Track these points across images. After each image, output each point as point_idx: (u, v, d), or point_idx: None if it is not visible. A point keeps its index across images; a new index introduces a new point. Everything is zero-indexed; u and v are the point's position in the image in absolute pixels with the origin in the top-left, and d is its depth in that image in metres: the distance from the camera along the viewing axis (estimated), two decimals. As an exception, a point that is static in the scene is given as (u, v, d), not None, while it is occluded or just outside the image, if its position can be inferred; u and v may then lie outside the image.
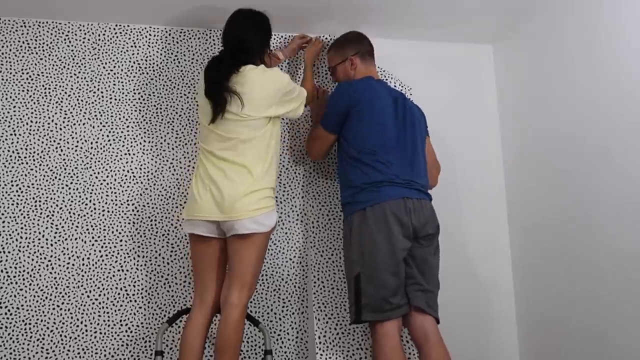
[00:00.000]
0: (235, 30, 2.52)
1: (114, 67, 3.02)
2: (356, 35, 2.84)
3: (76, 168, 2.90)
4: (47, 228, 2.82)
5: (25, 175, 2.84)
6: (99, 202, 2.89)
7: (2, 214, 2.79)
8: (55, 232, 2.82)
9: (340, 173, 2.64)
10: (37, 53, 2.96)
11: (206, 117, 2.45)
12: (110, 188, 2.91)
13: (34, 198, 2.83)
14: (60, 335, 2.74)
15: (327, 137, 2.68)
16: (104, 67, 3.01)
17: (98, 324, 2.78)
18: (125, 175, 2.94)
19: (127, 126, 2.98)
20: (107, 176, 2.92)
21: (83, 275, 2.81)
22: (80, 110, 2.96)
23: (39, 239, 2.80)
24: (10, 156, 2.85)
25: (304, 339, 2.91)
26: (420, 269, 2.45)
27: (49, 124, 2.91)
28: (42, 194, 2.84)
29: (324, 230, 2.89)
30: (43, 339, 2.72)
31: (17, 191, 2.82)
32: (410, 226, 2.40)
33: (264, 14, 2.59)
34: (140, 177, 2.95)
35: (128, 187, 2.93)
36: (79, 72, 2.98)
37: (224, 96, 2.38)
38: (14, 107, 2.89)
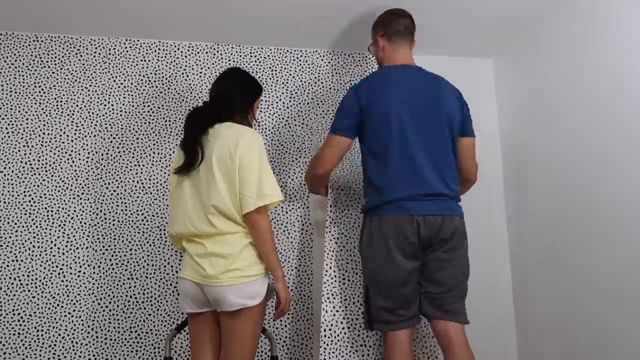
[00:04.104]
0: (220, 84, 2.40)
1: (124, 80, 3.09)
2: (387, 13, 2.52)
3: (87, 179, 2.96)
4: (58, 237, 2.89)
5: (38, 185, 2.91)
6: (109, 212, 2.95)
7: (16, 224, 2.86)
8: (67, 241, 2.89)
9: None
10: (49, 67, 3.03)
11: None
12: (121, 198, 2.97)
13: (46, 208, 2.90)
14: (72, 342, 2.80)
15: (336, 140, 2.41)
16: (114, 81, 3.08)
17: (108, 331, 2.84)
18: (135, 186, 3.00)
19: (137, 138, 3.05)
20: (117, 187, 2.98)
21: (94, 283, 2.87)
22: (91, 122, 3.03)
23: (51, 248, 2.87)
24: (23, 167, 2.91)
25: (308, 345, 2.96)
26: (430, 276, 2.35)
27: (60, 136, 2.98)
28: (54, 204, 2.91)
29: (327, 231, 2.92)
30: (55, 345, 2.79)
31: (29, 201, 2.89)
32: (416, 241, 2.30)
33: (253, 76, 2.47)
34: (149, 187, 3.01)
35: (138, 197, 2.99)
36: (90, 86, 3.05)
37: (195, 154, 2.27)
38: (27, 119, 2.96)
